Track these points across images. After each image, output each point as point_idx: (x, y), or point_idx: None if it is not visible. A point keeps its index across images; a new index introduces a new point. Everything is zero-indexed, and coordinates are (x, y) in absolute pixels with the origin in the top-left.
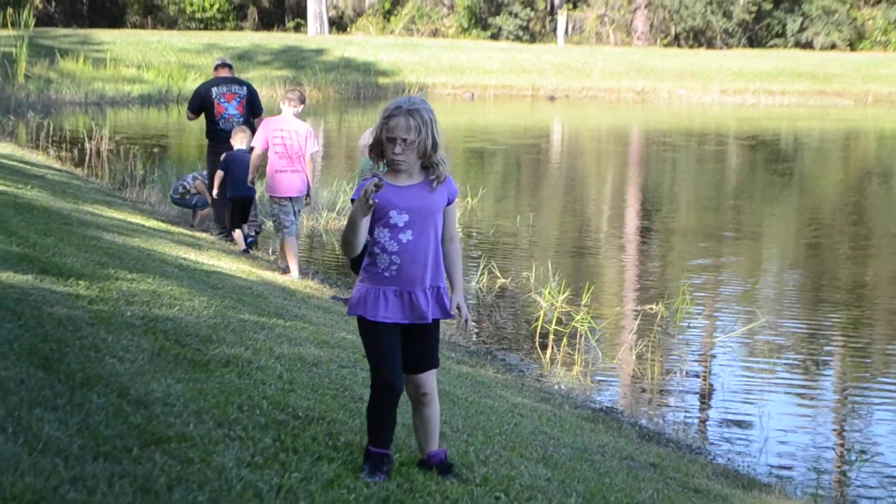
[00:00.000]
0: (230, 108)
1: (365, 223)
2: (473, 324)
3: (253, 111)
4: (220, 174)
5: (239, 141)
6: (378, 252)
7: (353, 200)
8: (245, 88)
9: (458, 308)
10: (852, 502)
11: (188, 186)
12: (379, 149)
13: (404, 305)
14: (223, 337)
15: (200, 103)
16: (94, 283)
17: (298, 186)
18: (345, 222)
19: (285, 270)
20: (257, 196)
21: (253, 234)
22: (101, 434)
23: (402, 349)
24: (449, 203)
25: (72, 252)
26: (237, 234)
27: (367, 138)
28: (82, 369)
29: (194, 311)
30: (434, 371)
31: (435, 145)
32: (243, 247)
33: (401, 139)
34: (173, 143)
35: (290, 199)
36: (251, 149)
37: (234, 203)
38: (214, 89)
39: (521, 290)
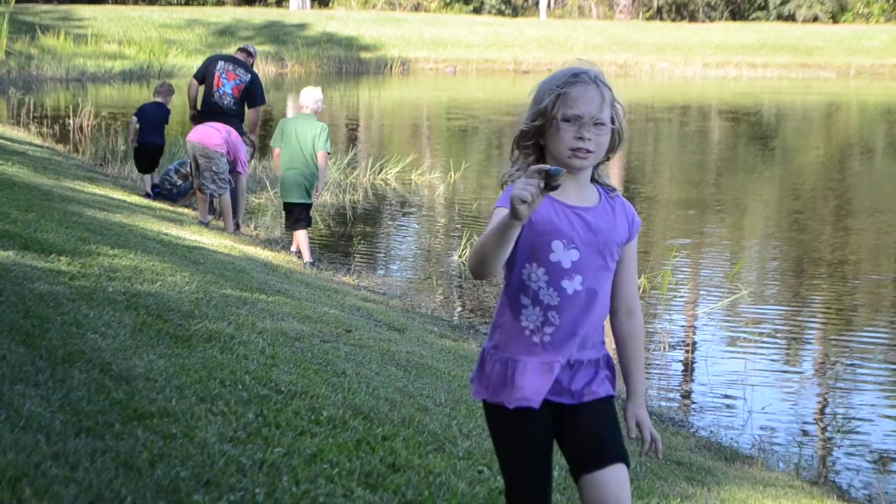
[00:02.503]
0: (227, 85)
1: (513, 238)
2: (457, 299)
3: (250, 100)
4: (133, 119)
5: (159, 95)
6: (525, 304)
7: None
8: (249, 76)
9: (639, 426)
10: (835, 474)
11: (173, 180)
12: (532, 141)
13: (554, 379)
14: (205, 312)
15: (204, 72)
16: (75, 258)
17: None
18: (326, 199)
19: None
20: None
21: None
22: (83, 410)
23: (559, 442)
24: (630, 238)
25: (53, 228)
26: (145, 178)
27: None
28: (64, 345)
29: (176, 286)
30: (623, 469)
31: (622, 137)
32: (147, 191)
33: (591, 118)
34: None
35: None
36: (160, 104)
37: (142, 150)
38: (221, 63)
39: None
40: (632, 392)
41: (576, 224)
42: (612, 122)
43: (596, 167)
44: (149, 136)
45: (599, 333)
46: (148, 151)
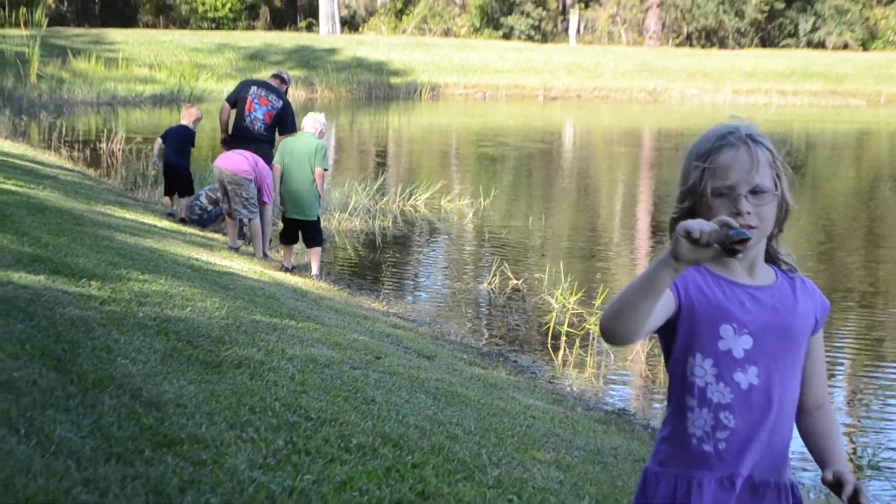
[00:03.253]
0: (258, 111)
1: (663, 288)
2: (485, 326)
3: (281, 126)
4: (157, 142)
5: (185, 117)
6: (691, 405)
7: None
8: (281, 103)
9: (840, 478)
10: None
11: (203, 205)
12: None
13: (735, 498)
14: (235, 338)
15: (237, 96)
16: (106, 283)
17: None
18: (356, 224)
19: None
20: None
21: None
22: (114, 435)
23: None
24: (817, 326)
25: (84, 252)
26: (166, 200)
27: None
28: (94, 370)
29: (206, 311)
30: None
31: (789, 204)
32: (170, 211)
33: (747, 186)
34: None
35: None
36: (185, 127)
37: (166, 171)
38: (254, 88)
39: (533, 291)
40: (831, 458)
41: (748, 305)
42: (776, 186)
43: (770, 242)
44: (172, 159)
45: (784, 444)
46: (171, 174)
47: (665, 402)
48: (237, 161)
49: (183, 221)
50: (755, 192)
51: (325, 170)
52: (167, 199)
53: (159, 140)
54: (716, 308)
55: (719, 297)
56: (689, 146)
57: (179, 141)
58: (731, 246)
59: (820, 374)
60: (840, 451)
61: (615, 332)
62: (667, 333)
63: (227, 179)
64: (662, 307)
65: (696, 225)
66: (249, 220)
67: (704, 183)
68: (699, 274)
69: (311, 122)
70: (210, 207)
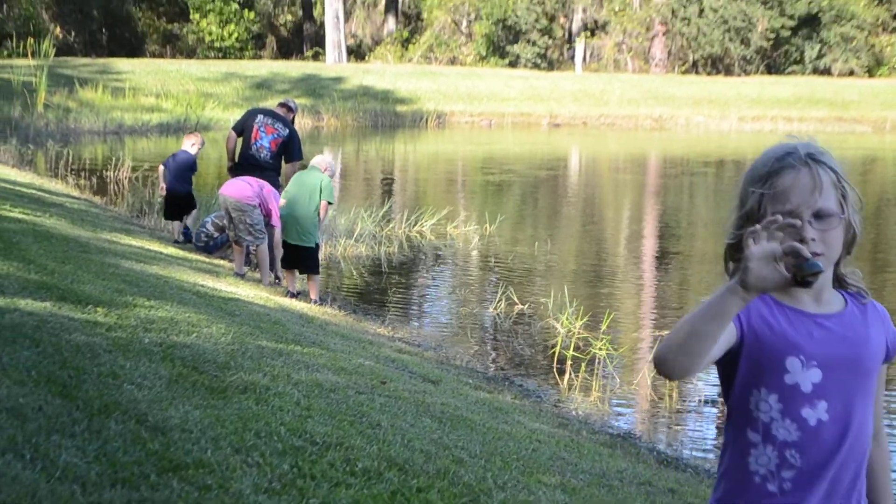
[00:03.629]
0: (265, 139)
1: (730, 316)
2: (491, 351)
3: (287, 155)
4: (161, 169)
5: (187, 143)
6: (754, 441)
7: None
8: (287, 131)
9: None
10: None
11: (210, 232)
12: (740, 252)
13: None
14: (241, 363)
15: (243, 125)
16: (112, 310)
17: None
18: (362, 250)
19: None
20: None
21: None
22: (119, 461)
23: None
24: (889, 355)
25: (90, 279)
26: (173, 225)
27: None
28: (100, 396)
29: (212, 337)
30: None
31: (856, 229)
32: (175, 238)
33: (810, 211)
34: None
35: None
36: (185, 152)
37: (167, 197)
38: (260, 116)
39: (538, 315)
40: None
41: (816, 335)
42: (842, 209)
43: (837, 266)
44: (172, 184)
45: (858, 480)
46: (171, 198)
47: (725, 433)
48: (241, 188)
49: (176, 242)
50: (819, 216)
51: (330, 203)
52: (174, 224)
53: (162, 167)
54: (781, 339)
55: (785, 327)
56: (746, 170)
57: (179, 166)
58: (802, 278)
59: (878, 402)
60: (887, 487)
61: (675, 364)
62: (727, 365)
63: (232, 206)
64: (723, 337)
65: (769, 248)
66: (256, 246)
67: (763, 208)
68: (763, 303)
69: (321, 161)
70: (216, 234)
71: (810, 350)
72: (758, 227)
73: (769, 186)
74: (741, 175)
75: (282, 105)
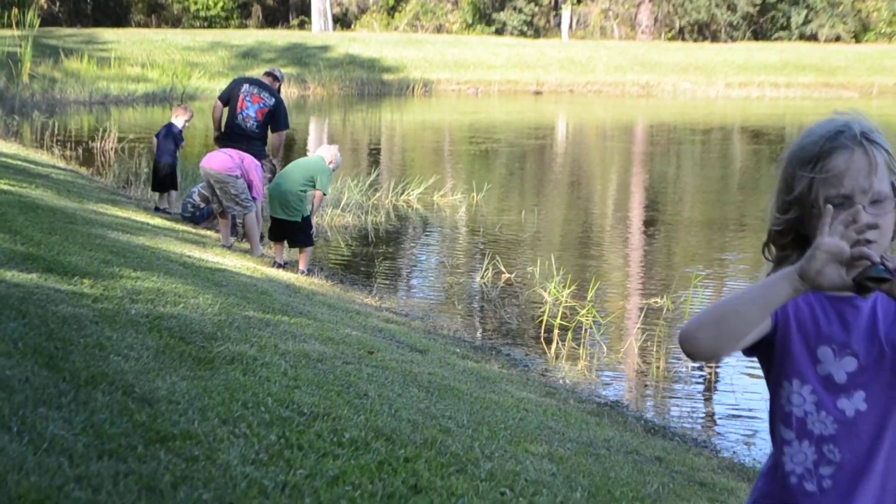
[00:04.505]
0: (251, 108)
1: (777, 305)
2: (478, 320)
3: (273, 125)
4: (155, 141)
5: (175, 116)
6: (789, 438)
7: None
8: (273, 100)
9: None
10: None
11: (196, 203)
12: (791, 236)
13: None
14: (228, 334)
15: (229, 94)
16: (98, 281)
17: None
18: (349, 220)
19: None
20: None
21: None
22: (106, 432)
23: None
24: None
25: (76, 250)
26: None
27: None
28: (87, 367)
29: (199, 308)
30: None
31: None
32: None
33: (866, 196)
34: None
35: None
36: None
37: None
38: (246, 85)
39: (525, 285)
40: None
41: (850, 320)
42: (894, 191)
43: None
44: (158, 156)
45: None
46: (157, 170)
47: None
48: (221, 160)
49: (157, 210)
50: (875, 200)
51: (324, 194)
52: (157, 194)
53: (155, 139)
54: (812, 327)
55: (818, 314)
56: (789, 148)
57: (165, 139)
58: (865, 282)
59: None
60: None
61: (704, 342)
62: (764, 355)
63: (213, 179)
64: (763, 326)
65: (841, 248)
66: (245, 215)
67: (815, 192)
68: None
69: (326, 151)
70: (202, 205)
71: (842, 338)
72: (838, 216)
73: (820, 169)
74: (785, 153)
75: (268, 74)
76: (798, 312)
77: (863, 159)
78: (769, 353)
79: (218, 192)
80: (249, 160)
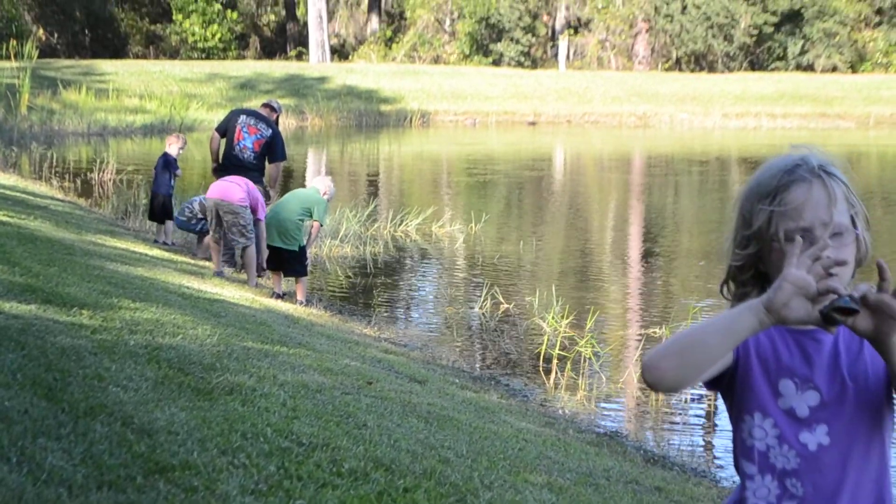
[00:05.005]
0: (248, 139)
1: (741, 339)
2: (477, 351)
3: (270, 155)
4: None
5: (168, 144)
6: (751, 472)
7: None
8: (270, 131)
9: None
10: None
11: (194, 210)
12: (751, 272)
13: None
14: (227, 365)
15: (226, 125)
16: (97, 312)
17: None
18: (347, 250)
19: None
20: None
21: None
22: (105, 463)
23: None
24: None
25: (75, 282)
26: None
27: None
28: (86, 398)
29: (197, 339)
30: None
31: (867, 244)
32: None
33: (825, 227)
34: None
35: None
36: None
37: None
38: (243, 117)
39: (524, 315)
40: None
41: (811, 353)
42: (854, 223)
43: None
44: (155, 187)
45: None
46: (153, 201)
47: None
48: (231, 190)
49: (156, 242)
50: (834, 233)
51: (322, 225)
52: (157, 225)
53: (154, 170)
54: (774, 360)
55: (779, 347)
56: (747, 184)
57: (162, 170)
58: (832, 314)
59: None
60: None
61: (667, 372)
62: (725, 389)
63: (224, 210)
64: (726, 359)
65: (806, 282)
66: (247, 247)
67: (774, 226)
68: None
69: (321, 182)
70: (200, 216)
71: (804, 371)
72: (806, 249)
73: (779, 203)
74: (741, 190)
75: (265, 105)
76: (759, 345)
77: (821, 192)
78: (731, 387)
79: (226, 222)
80: (251, 185)
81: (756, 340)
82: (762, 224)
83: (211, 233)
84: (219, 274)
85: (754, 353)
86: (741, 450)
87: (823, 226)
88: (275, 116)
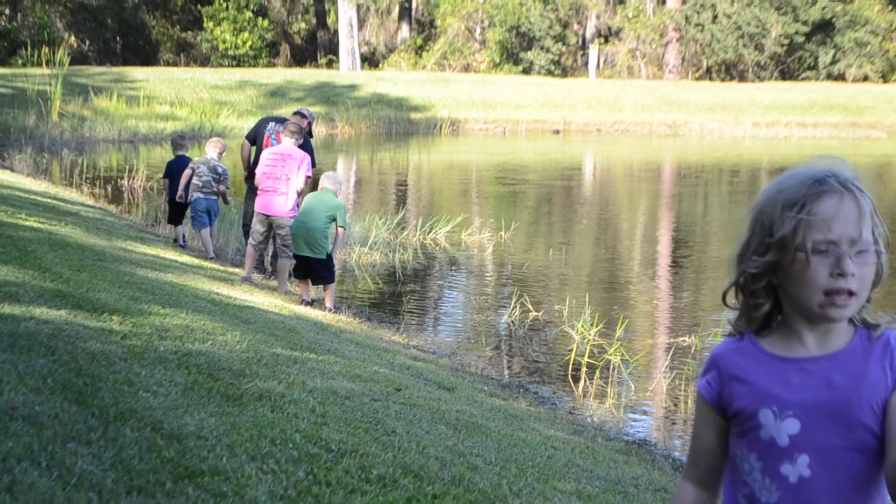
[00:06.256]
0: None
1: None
2: (506, 358)
3: None
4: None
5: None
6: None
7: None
8: (301, 139)
9: None
10: None
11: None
12: (764, 282)
13: None
14: (256, 371)
15: (255, 133)
16: (127, 318)
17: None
18: (376, 257)
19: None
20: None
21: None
22: (135, 468)
23: None
24: (893, 395)
25: (105, 287)
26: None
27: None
28: (116, 403)
29: (227, 345)
30: None
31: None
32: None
33: (851, 243)
34: None
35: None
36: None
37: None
38: (272, 124)
39: (553, 323)
40: None
41: (794, 381)
42: (876, 242)
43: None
44: (173, 191)
45: None
46: (174, 204)
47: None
48: (278, 203)
49: (175, 242)
50: (860, 251)
51: (345, 229)
52: (177, 228)
53: (165, 180)
54: (752, 392)
55: (758, 377)
56: (766, 191)
57: (176, 172)
58: None
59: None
60: None
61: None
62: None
63: (277, 224)
64: (719, 430)
65: None
66: (286, 257)
67: (802, 236)
68: (741, 354)
69: (329, 181)
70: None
71: (785, 398)
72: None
73: (808, 212)
74: (761, 196)
75: (296, 113)
76: (738, 379)
77: (852, 206)
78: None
79: (280, 235)
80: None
81: (735, 376)
82: (787, 233)
83: (254, 242)
84: (247, 280)
85: (734, 387)
86: (736, 483)
87: (851, 242)
88: (306, 123)
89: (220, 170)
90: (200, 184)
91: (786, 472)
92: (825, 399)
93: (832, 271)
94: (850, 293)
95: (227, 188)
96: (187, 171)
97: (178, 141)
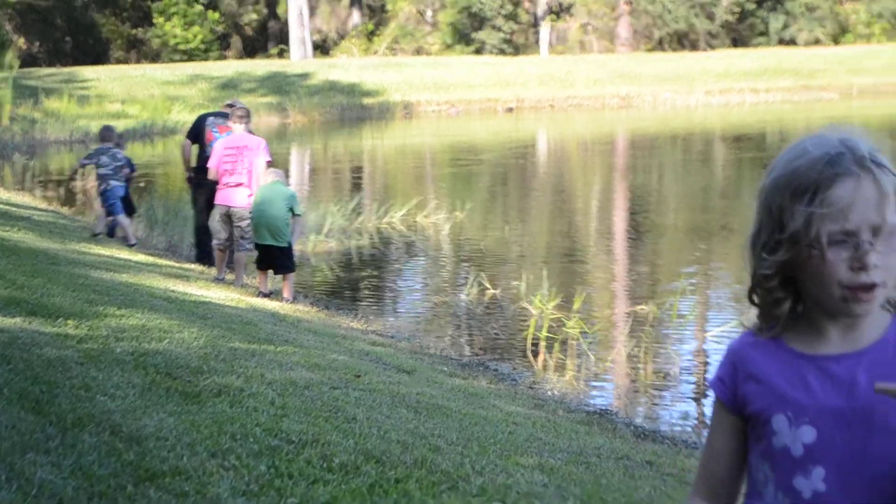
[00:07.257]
0: (219, 139)
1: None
2: (465, 338)
3: None
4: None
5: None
6: None
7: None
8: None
9: None
10: None
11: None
12: (778, 279)
13: None
14: (214, 367)
15: (196, 131)
16: (82, 321)
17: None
18: (332, 245)
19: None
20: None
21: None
22: (95, 474)
23: None
24: None
25: (60, 292)
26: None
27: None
28: (73, 409)
29: (184, 342)
30: None
31: None
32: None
33: (872, 229)
34: (159, 177)
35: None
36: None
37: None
38: (211, 118)
39: (511, 299)
40: None
41: (813, 383)
42: None
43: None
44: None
45: None
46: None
47: None
48: (242, 196)
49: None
50: (891, 234)
51: (300, 216)
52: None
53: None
54: (767, 394)
55: (777, 378)
56: (774, 171)
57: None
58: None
59: None
60: None
61: None
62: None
63: (237, 216)
64: (735, 431)
65: None
66: (245, 250)
67: (815, 230)
68: (759, 351)
69: (273, 174)
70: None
71: (801, 402)
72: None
73: (821, 203)
74: (768, 178)
75: (228, 105)
76: (754, 378)
77: (871, 188)
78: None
79: (241, 227)
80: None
81: (751, 375)
82: (799, 227)
83: (219, 242)
84: (219, 280)
85: (749, 388)
86: (753, 494)
87: (872, 229)
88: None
89: (119, 156)
90: (111, 171)
91: (799, 487)
92: (846, 404)
93: (852, 265)
94: (873, 285)
95: (134, 172)
96: (89, 165)
97: (104, 133)
